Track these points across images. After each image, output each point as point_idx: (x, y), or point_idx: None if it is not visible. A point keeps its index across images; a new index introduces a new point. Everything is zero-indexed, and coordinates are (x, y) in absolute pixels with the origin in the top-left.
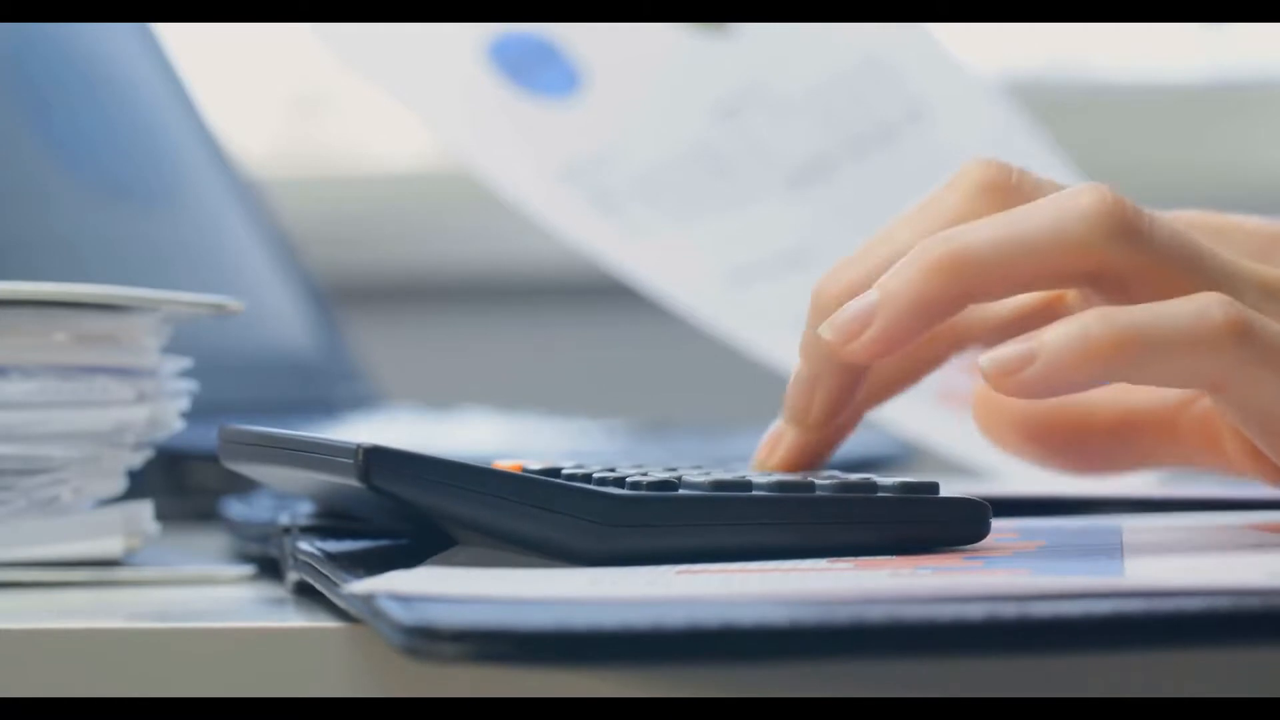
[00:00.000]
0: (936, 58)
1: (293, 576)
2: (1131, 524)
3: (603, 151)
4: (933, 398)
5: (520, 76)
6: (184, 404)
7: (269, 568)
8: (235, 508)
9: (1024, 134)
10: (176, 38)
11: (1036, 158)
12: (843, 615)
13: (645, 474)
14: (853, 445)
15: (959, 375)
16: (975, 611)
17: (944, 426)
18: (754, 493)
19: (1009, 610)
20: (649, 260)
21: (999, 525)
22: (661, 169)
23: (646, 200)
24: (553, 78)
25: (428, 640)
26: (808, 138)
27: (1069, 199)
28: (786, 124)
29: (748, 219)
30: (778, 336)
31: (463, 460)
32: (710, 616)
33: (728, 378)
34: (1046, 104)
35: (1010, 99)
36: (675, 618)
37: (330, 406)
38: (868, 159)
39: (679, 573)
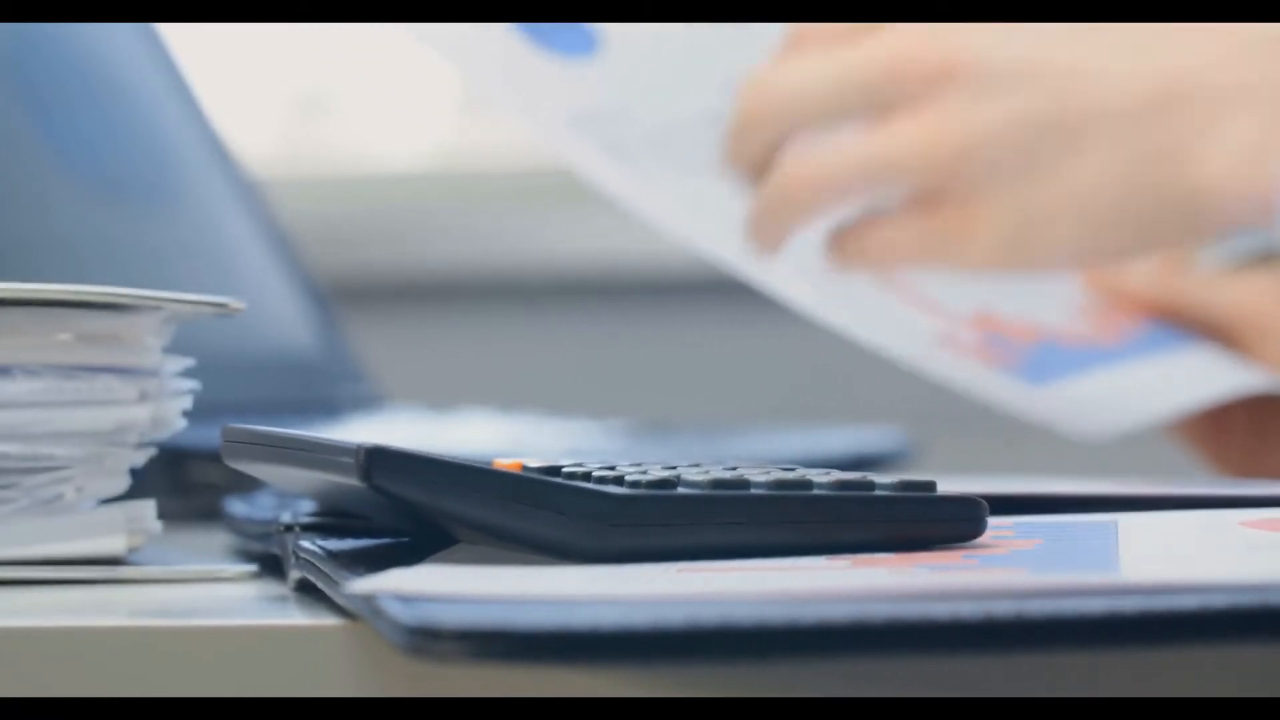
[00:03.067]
0: None
1: (295, 575)
2: (1127, 521)
3: (613, 108)
4: (936, 346)
5: (540, 35)
6: (186, 403)
7: (271, 566)
8: (237, 506)
9: None
10: (178, 38)
11: None
12: (840, 614)
13: (644, 473)
14: (852, 443)
15: (960, 326)
16: (972, 609)
17: (955, 373)
18: (752, 491)
19: (1005, 608)
20: (664, 207)
21: (995, 523)
22: (672, 129)
23: (657, 156)
24: (571, 38)
25: (429, 639)
26: None
27: None
28: None
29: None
30: (791, 279)
31: (463, 460)
32: (709, 615)
33: (728, 378)
34: None
35: None
36: (675, 617)
37: (332, 406)
38: None
39: (679, 570)
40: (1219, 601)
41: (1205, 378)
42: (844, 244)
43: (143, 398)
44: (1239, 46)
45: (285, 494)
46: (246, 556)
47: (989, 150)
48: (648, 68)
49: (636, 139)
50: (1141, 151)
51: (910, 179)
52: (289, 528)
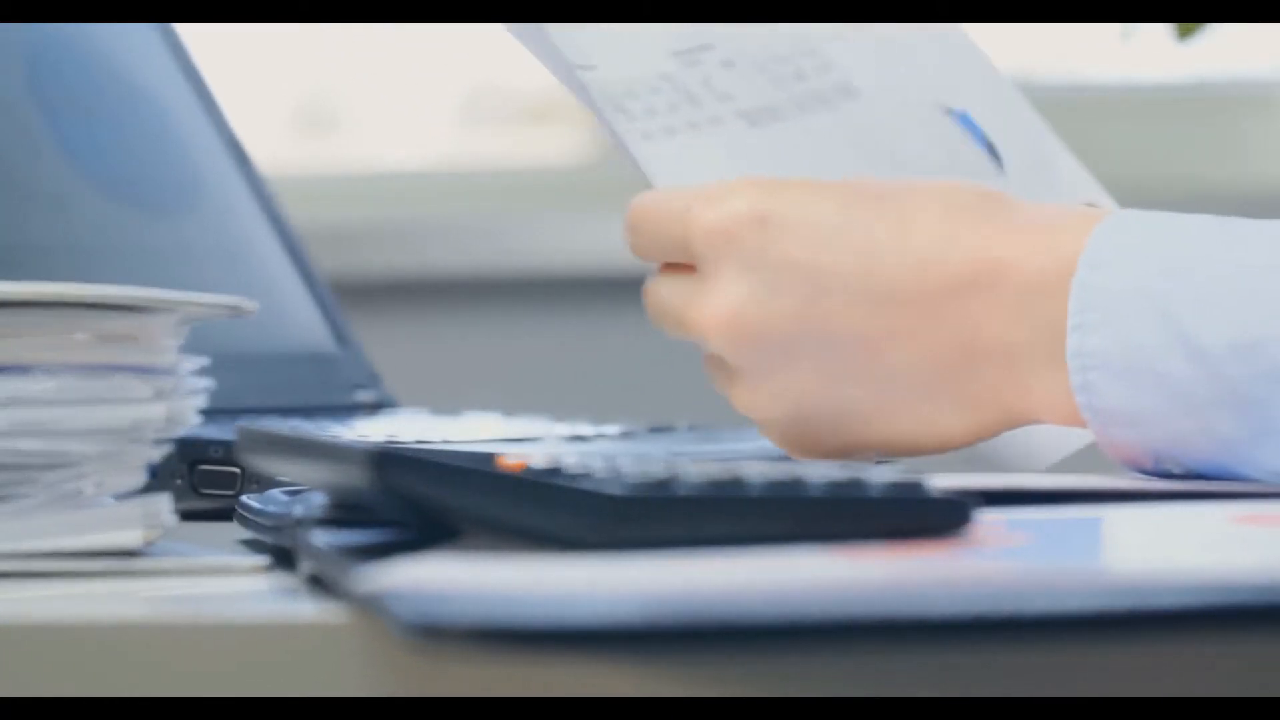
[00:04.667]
0: (865, 47)
1: (306, 568)
2: (1115, 515)
3: (585, 65)
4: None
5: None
6: (201, 401)
7: (283, 559)
8: (250, 501)
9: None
10: (188, 41)
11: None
12: (833, 608)
13: (644, 473)
14: None
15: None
16: (960, 604)
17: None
18: (747, 492)
19: (994, 603)
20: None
21: (985, 518)
22: (632, 88)
23: (622, 113)
24: None
25: (434, 634)
26: (759, 91)
27: None
28: (737, 76)
29: (712, 143)
30: None
31: (467, 461)
32: (707, 611)
33: None
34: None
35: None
36: (673, 612)
37: (343, 407)
38: (814, 115)
39: (679, 563)
40: (1204, 596)
41: None
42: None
43: (159, 396)
44: (1016, 302)
45: (297, 489)
46: (259, 550)
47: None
48: (602, 32)
49: (603, 96)
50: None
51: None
52: (300, 521)
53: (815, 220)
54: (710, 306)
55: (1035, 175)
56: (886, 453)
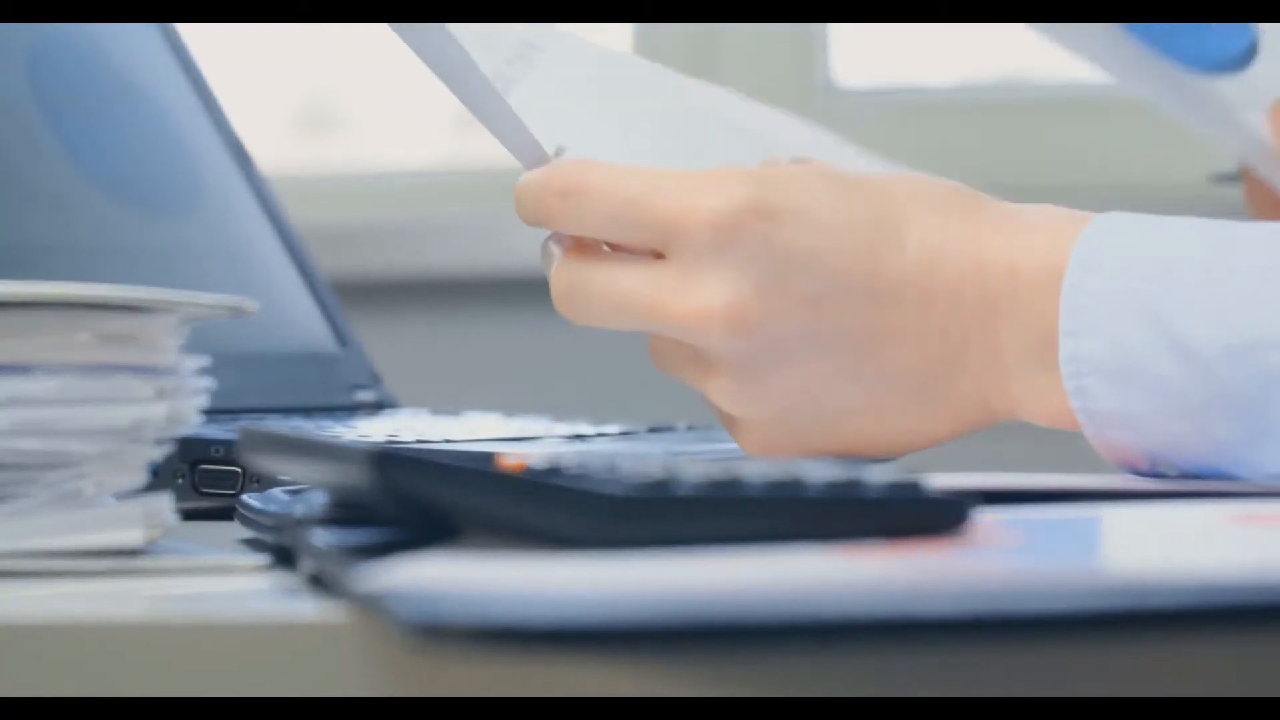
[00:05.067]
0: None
1: (306, 567)
2: (1113, 515)
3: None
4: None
5: None
6: (202, 401)
7: (284, 558)
8: (251, 500)
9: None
10: (189, 41)
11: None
12: (831, 609)
13: (643, 473)
14: None
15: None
16: (958, 603)
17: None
18: (746, 492)
19: (992, 602)
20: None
21: (983, 517)
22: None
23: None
24: None
25: (434, 634)
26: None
27: None
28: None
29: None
30: None
31: (467, 462)
32: (706, 611)
33: None
34: (1014, 107)
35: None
36: (672, 612)
37: (344, 406)
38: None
39: (679, 563)
40: (1203, 596)
41: None
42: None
43: (160, 396)
44: (1008, 305)
45: (298, 489)
46: (260, 549)
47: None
48: None
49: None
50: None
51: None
52: (301, 521)
53: (818, 214)
54: (703, 299)
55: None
56: (866, 455)
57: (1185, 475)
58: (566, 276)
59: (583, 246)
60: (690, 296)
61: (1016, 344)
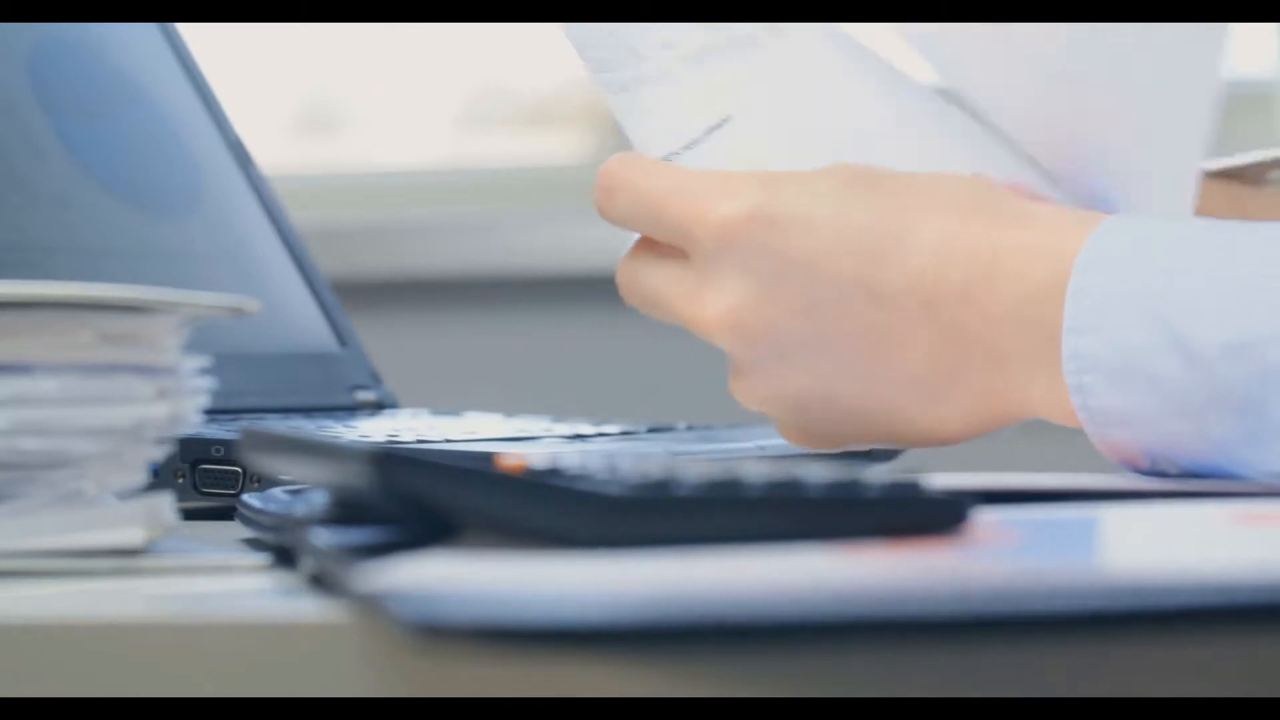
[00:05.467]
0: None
1: (307, 566)
2: (1113, 515)
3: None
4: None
5: None
6: (203, 401)
7: (285, 557)
8: (251, 499)
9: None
10: (189, 42)
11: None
12: (831, 609)
13: (643, 473)
14: None
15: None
16: (957, 603)
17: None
18: (745, 492)
19: (991, 602)
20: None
21: (983, 517)
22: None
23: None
24: None
25: (434, 634)
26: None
27: None
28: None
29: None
30: None
31: (467, 463)
32: (706, 611)
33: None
34: None
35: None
36: (672, 612)
37: (344, 406)
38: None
39: (679, 563)
40: (1203, 596)
41: None
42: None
43: (161, 395)
44: (1013, 306)
45: (298, 488)
46: (260, 548)
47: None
48: None
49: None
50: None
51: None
52: (301, 521)
53: (816, 220)
54: (711, 304)
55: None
56: (888, 445)
57: (1185, 475)
58: (623, 267)
59: (647, 240)
60: (698, 301)
61: (1023, 343)
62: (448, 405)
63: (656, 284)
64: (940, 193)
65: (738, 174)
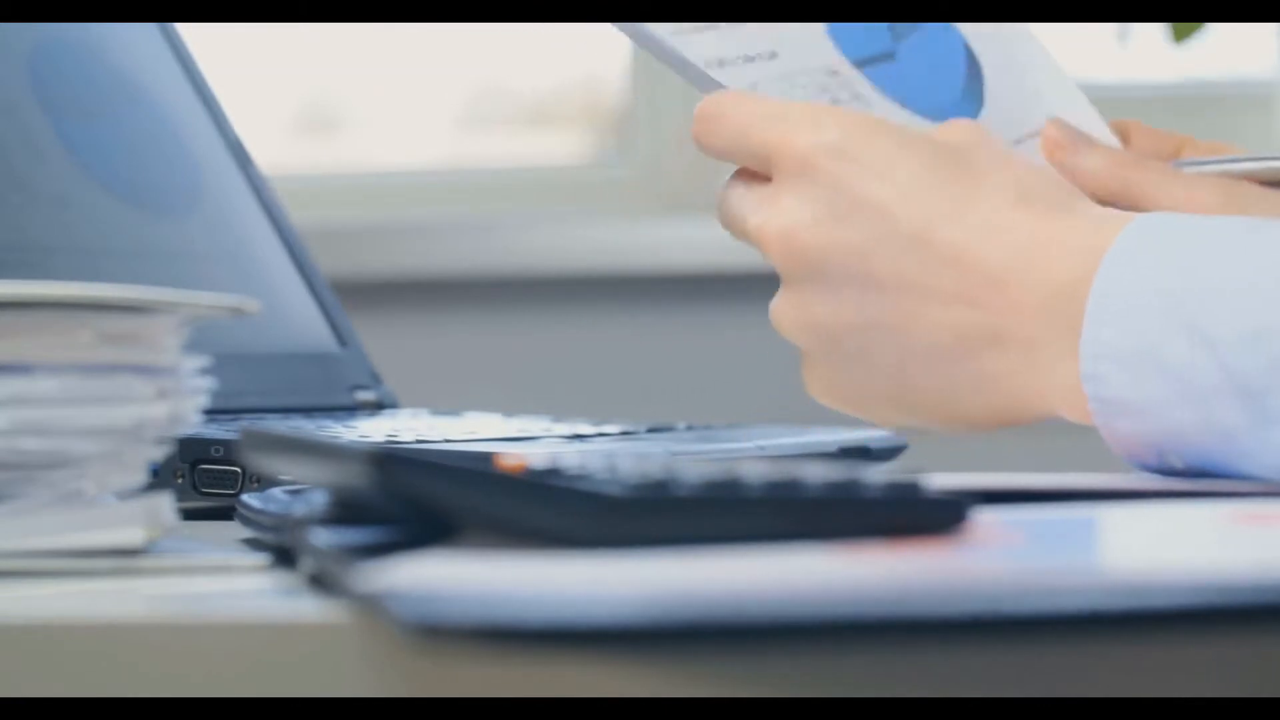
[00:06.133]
0: None
1: (306, 566)
2: (1113, 515)
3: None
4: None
5: None
6: (203, 401)
7: (284, 557)
8: (251, 499)
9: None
10: (190, 42)
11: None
12: (830, 609)
13: (643, 473)
14: (853, 436)
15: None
16: (957, 603)
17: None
18: (745, 493)
19: (991, 602)
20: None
21: (983, 517)
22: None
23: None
24: None
25: (434, 634)
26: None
27: None
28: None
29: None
30: None
31: (467, 463)
32: (706, 611)
33: (728, 377)
34: None
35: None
36: (672, 612)
37: (344, 406)
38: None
39: (678, 563)
40: (1203, 596)
41: None
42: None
43: (161, 395)
44: (1044, 297)
45: (298, 488)
46: (260, 548)
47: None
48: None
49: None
50: (960, 382)
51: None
52: (301, 521)
53: (895, 170)
54: (773, 219)
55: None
56: (903, 417)
57: (1189, 470)
58: (719, 195)
59: (743, 170)
60: (761, 214)
61: (1046, 334)
62: (448, 405)
63: (736, 201)
64: (1013, 177)
65: (833, 108)
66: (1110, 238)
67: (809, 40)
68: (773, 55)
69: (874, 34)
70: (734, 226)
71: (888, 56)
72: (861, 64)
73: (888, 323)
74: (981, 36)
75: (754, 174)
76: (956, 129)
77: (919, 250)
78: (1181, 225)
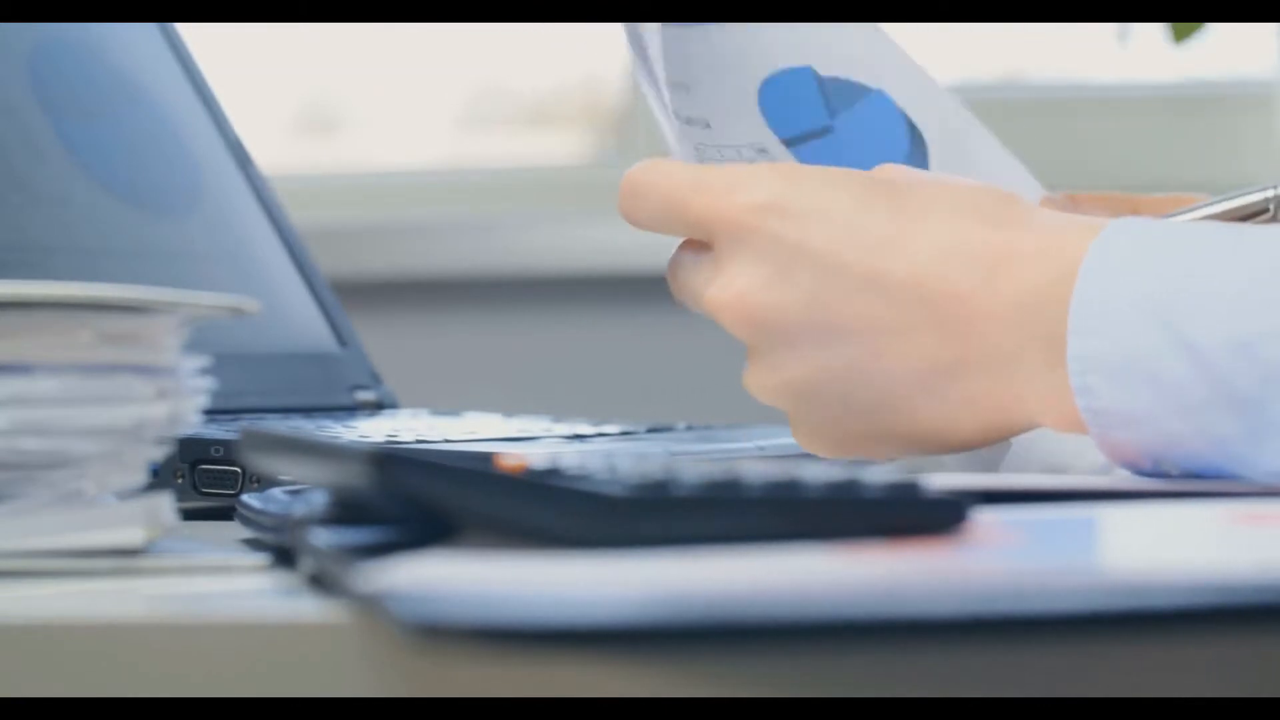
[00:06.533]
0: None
1: (306, 567)
2: (1112, 515)
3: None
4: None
5: None
6: (203, 401)
7: (284, 557)
8: (251, 500)
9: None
10: (190, 42)
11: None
12: (830, 609)
13: (643, 474)
14: None
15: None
16: (957, 604)
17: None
18: (745, 493)
19: (990, 603)
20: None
21: (982, 517)
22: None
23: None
24: None
25: (434, 634)
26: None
27: None
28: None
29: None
30: None
31: (467, 463)
32: (706, 611)
33: (728, 377)
34: (1015, 107)
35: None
36: (672, 612)
37: (344, 406)
38: None
39: (679, 563)
40: (1203, 596)
41: None
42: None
43: (161, 395)
44: (1014, 309)
45: (298, 489)
46: (260, 549)
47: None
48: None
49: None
50: (939, 402)
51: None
52: (301, 521)
53: (830, 212)
54: (723, 289)
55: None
56: (896, 450)
57: (1187, 475)
58: (670, 264)
59: (689, 240)
60: (713, 286)
61: (1024, 346)
62: (448, 405)
63: (686, 275)
64: (954, 196)
65: (758, 166)
66: (1078, 244)
67: (741, 112)
68: (706, 125)
69: (809, 108)
70: (688, 300)
71: (823, 131)
72: (792, 142)
73: (859, 366)
74: (917, 106)
75: (695, 242)
76: (885, 168)
77: (874, 288)
78: (1160, 231)
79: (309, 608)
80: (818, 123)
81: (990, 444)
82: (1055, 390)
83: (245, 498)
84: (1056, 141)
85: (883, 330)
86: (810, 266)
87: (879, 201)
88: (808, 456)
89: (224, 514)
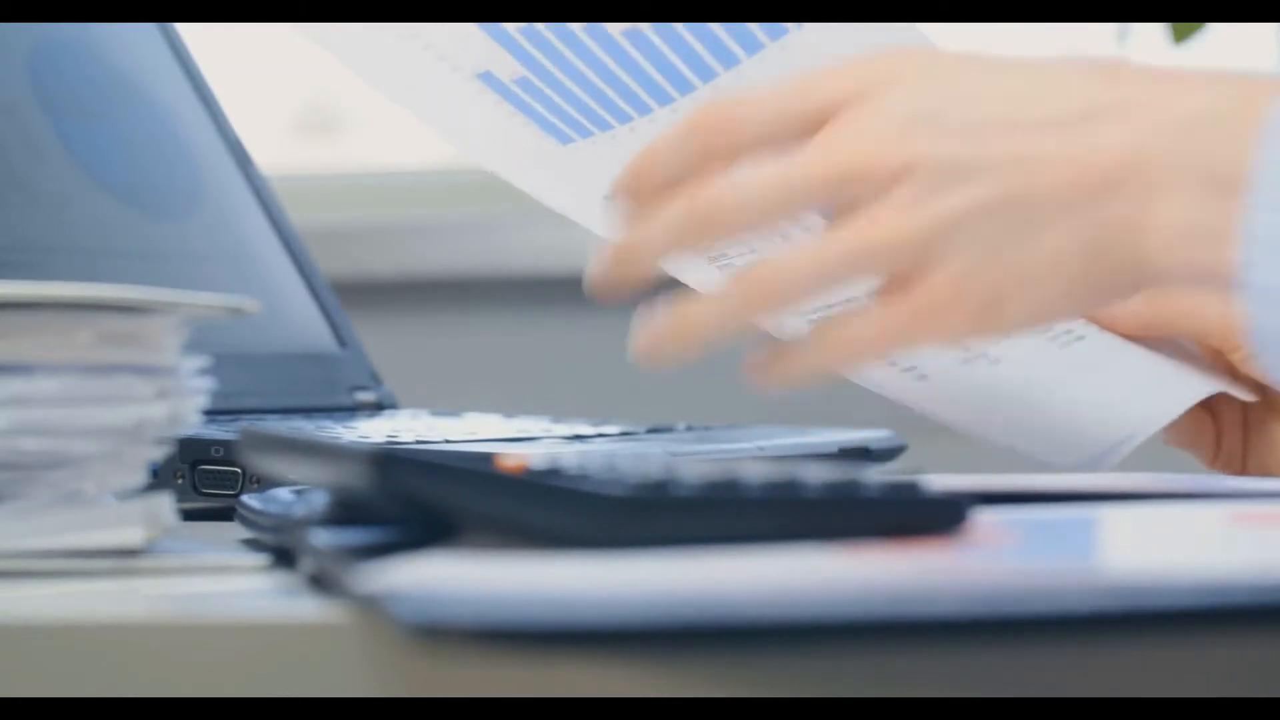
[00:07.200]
0: None
1: (306, 567)
2: (1112, 515)
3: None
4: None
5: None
6: (203, 401)
7: (284, 558)
8: (251, 500)
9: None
10: (190, 42)
11: None
12: (830, 609)
13: (643, 474)
14: (853, 436)
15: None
16: (957, 604)
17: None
18: (745, 493)
19: (990, 603)
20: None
21: (982, 517)
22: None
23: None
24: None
25: (434, 634)
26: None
27: None
28: None
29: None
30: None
31: (467, 464)
32: (706, 611)
33: (728, 377)
34: None
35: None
36: (672, 612)
37: (344, 407)
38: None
39: (679, 563)
40: (1202, 596)
41: (1179, 386)
42: (815, 347)
43: (160, 395)
44: (1174, 126)
45: (298, 489)
46: (260, 549)
47: (955, 234)
48: None
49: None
50: (1091, 227)
51: (887, 267)
52: (301, 521)
53: (975, 63)
54: (868, 128)
55: None
56: (1028, 320)
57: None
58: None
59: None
60: (855, 133)
61: (1187, 170)
62: (447, 405)
63: (777, 173)
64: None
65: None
66: (1252, 95)
67: None
68: None
69: None
70: (793, 183)
71: None
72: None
73: (1003, 199)
74: None
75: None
76: None
77: (1025, 80)
78: None
79: (309, 608)
80: None
81: (1101, 301)
82: (1217, 225)
83: (245, 498)
84: None
85: (1029, 160)
86: (968, 88)
87: (1005, 65)
88: (807, 457)
89: (224, 514)
